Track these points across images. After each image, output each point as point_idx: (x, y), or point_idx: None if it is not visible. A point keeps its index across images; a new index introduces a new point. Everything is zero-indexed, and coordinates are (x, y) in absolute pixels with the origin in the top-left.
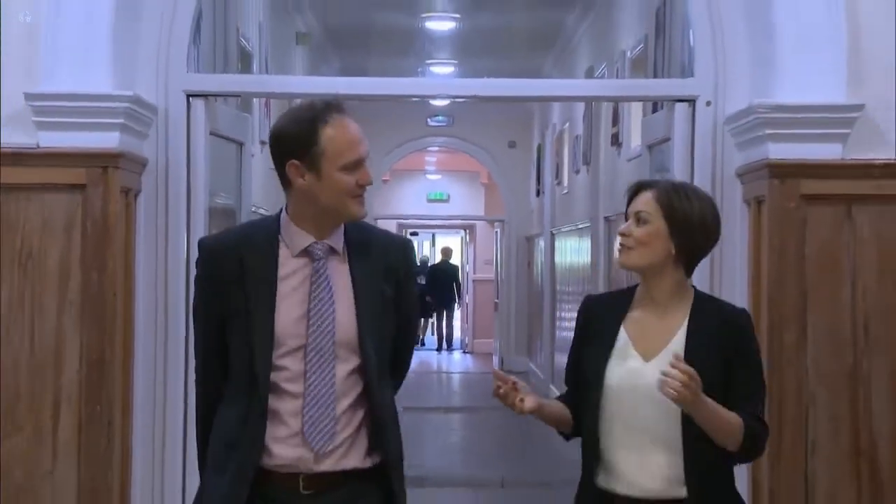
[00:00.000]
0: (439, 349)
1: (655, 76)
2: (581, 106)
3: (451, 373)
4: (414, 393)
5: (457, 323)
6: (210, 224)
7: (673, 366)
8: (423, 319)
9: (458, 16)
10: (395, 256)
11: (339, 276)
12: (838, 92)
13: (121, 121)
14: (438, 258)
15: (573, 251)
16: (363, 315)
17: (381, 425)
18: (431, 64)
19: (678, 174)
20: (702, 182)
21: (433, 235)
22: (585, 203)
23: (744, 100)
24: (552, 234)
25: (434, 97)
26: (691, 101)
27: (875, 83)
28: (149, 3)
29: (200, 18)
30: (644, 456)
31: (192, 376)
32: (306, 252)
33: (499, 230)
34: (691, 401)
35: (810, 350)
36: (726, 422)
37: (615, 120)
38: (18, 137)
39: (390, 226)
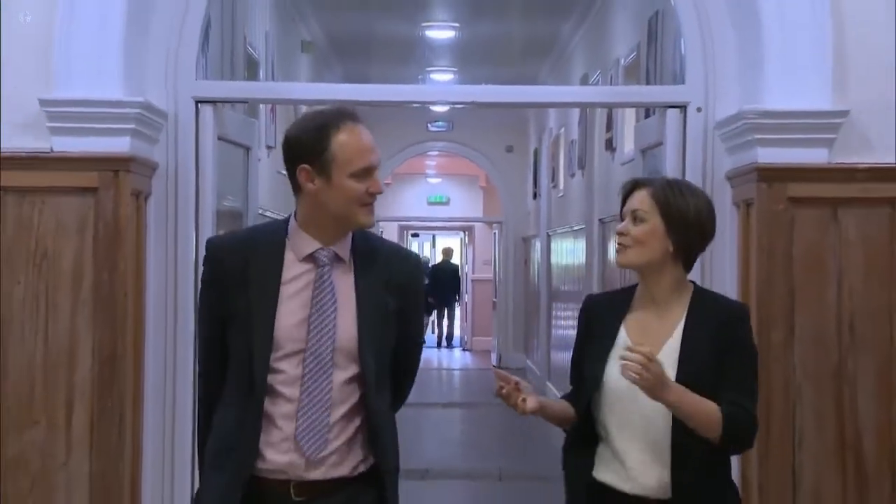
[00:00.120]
0: (439, 346)
1: (648, 83)
2: (576, 112)
3: (451, 369)
4: (415, 389)
5: (456, 321)
6: (218, 226)
7: (630, 349)
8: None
9: (457, 25)
10: (400, 270)
11: (343, 284)
12: (824, 98)
13: (132, 126)
14: (439, 258)
15: (569, 252)
16: (364, 324)
17: (377, 435)
18: (432, 71)
19: None
20: None
21: (433, 237)
22: (580, 206)
23: (733, 106)
24: (548, 236)
25: (434, 103)
26: (682, 108)
27: (859, 90)
28: (159, 12)
29: (209, 27)
30: (642, 453)
31: None
32: (311, 257)
33: (497, 232)
34: (653, 383)
35: (797, 348)
36: (702, 410)
37: (609, 125)
38: (33, 142)
39: (392, 227)
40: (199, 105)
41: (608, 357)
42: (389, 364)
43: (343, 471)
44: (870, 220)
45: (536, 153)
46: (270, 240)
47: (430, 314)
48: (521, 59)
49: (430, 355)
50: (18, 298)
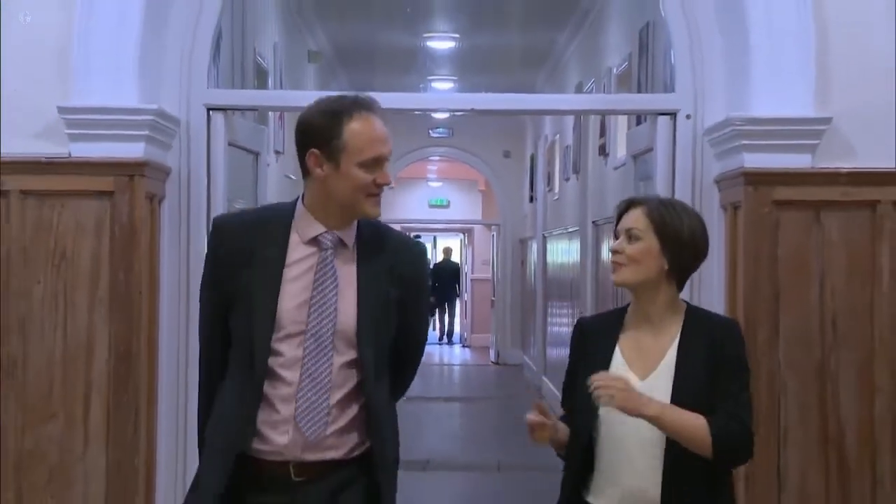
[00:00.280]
0: (440, 342)
1: (639, 91)
2: (571, 119)
3: (452, 365)
4: (416, 383)
5: (456, 318)
6: None
7: (594, 378)
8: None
9: (457, 36)
10: (404, 259)
11: (346, 269)
12: (807, 106)
13: (146, 132)
14: (440, 258)
15: (563, 253)
16: (364, 310)
17: (375, 422)
18: (433, 80)
19: (660, 182)
20: (682, 189)
21: (434, 238)
22: (575, 208)
23: (721, 113)
24: (544, 237)
25: (435, 111)
26: (672, 115)
27: (841, 98)
28: (172, 24)
29: (220, 38)
30: (636, 477)
31: None
32: (316, 241)
33: (495, 233)
34: (624, 398)
35: (782, 345)
36: (688, 424)
37: (602, 132)
38: (52, 148)
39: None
40: (211, 112)
41: None
42: (389, 353)
43: (339, 453)
44: (851, 223)
45: (533, 158)
46: (276, 221)
47: (432, 314)
48: (519, 68)
49: (432, 351)
50: (38, 297)
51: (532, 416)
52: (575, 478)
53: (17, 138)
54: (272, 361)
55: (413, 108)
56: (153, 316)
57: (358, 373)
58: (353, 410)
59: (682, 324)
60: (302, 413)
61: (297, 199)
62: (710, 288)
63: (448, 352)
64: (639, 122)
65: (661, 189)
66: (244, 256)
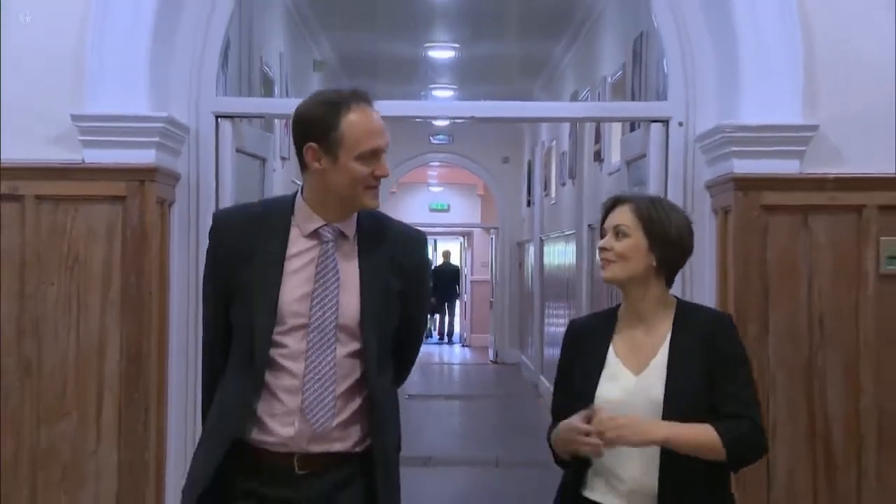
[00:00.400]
0: (441, 342)
1: (633, 99)
2: (567, 126)
3: (452, 364)
4: (418, 382)
5: (456, 319)
6: None
7: (592, 432)
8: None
9: (457, 46)
10: (405, 249)
11: (347, 261)
12: (795, 114)
13: (156, 139)
14: (440, 261)
15: (560, 255)
16: (366, 302)
17: (378, 413)
18: (433, 88)
19: (653, 187)
20: (674, 194)
21: (435, 241)
22: (571, 212)
23: (712, 120)
24: (541, 240)
25: (436, 118)
26: (665, 122)
27: (828, 106)
28: (182, 34)
29: (228, 48)
30: (633, 472)
31: None
32: (316, 234)
33: (494, 236)
34: (631, 431)
35: (771, 343)
36: (699, 439)
37: (597, 138)
38: (66, 154)
39: None
40: (219, 120)
41: (598, 378)
42: (391, 343)
43: (345, 445)
44: (838, 226)
45: (530, 164)
46: (276, 215)
47: (433, 314)
48: (516, 77)
49: (433, 350)
50: (52, 299)
51: (583, 424)
52: (574, 475)
53: (33, 145)
54: (275, 353)
55: (414, 115)
56: (163, 317)
57: (361, 364)
58: (357, 401)
59: (673, 319)
60: (309, 405)
61: (295, 193)
62: (701, 289)
63: (448, 351)
64: (632, 129)
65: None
66: (245, 251)
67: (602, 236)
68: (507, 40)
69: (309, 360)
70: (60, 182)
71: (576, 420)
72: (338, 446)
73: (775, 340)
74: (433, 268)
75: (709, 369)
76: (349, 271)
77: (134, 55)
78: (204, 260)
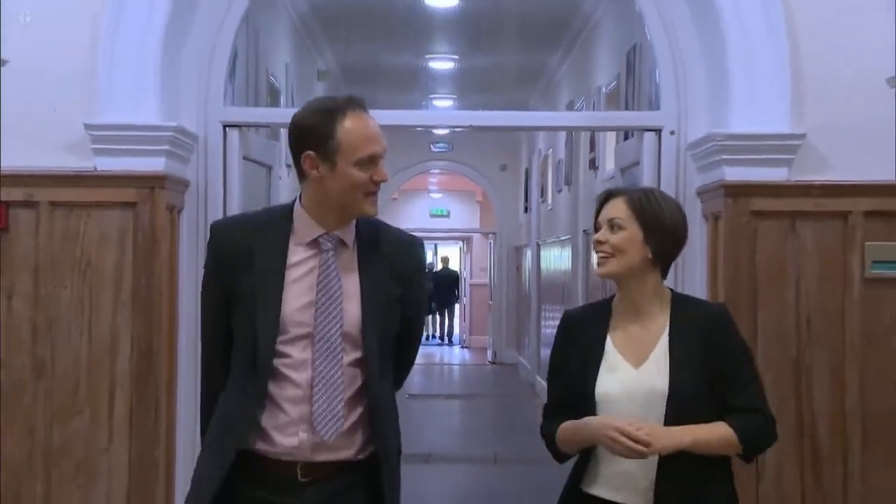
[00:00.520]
0: (441, 343)
1: (627, 109)
2: (563, 134)
3: (452, 364)
4: (418, 382)
5: (456, 321)
6: None
7: (621, 443)
8: (428, 317)
9: (456, 57)
10: (404, 255)
11: (348, 269)
12: (783, 123)
13: (166, 147)
14: (440, 266)
15: (556, 259)
16: (368, 309)
17: (379, 419)
18: (434, 98)
19: None
20: None
21: (435, 246)
22: (566, 218)
23: (703, 129)
24: (538, 245)
25: (436, 127)
26: (658, 131)
27: (815, 116)
28: (191, 46)
29: (235, 59)
30: (632, 464)
31: None
32: (316, 243)
33: (492, 241)
34: (663, 446)
35: (760, 343)
36: (720, 438)
37: (592, 146)
38: (79, 162)
39: None
40: (227, 129)
41: (597, 370)
42: (392, 349)
43: (348, 453)
44: (824, 232)
45: (527, 171)
46: (275, 224)
47: (433, 315)
48: (514, 87)
49: (433, 351)
50: (66, 301)
51: (629, 426)
52: (577, 471)
53: (47, 153)
54: (278, 363)
55: (415, 124)
56: (173, 318)
57: (363, 371)
58: (359, 409)
59: (669, 310)
60: (319, 415)
61: (293, 201)
62: (692, 292)
63: (448, 352)
64: (626, 138)
65: None
66: (244, 260)
67: (597, 230)
68: (504, 52)
69: (316, 369)
70: (74, 189)
71: (618, 421)
72: (342, 454)
73: (764, 341)
74: (433, 272)
75: (712, 363)
76: (350, 280)
77: (145, 67)
78: None
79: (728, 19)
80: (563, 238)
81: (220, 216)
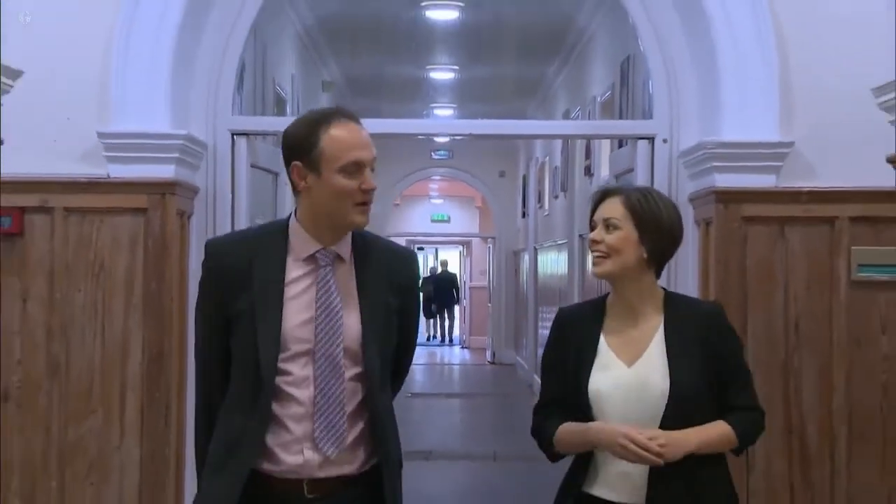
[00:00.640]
0: (441, 344)
1: (621, 118)
2: (559, 142)
3: (452, 364)
4: (420, 381)
5: (456, 322)
6: None
7: (626, 450)
8: (429, 319)
9: (457, 68)
10: (400, 268)
11: (346, 284)
12: (772, 131)
13: (176, 155)
14: (439, 270)
15: (552, 263)
16: (367, 323)
17: (381, 432)
18: (435, 107)
19: None
20: None
21: (436, 250)
22: (563, 223)
23: (694, 138)
24: (535, 249)
25: (437, 135)
26: (651, 139)
27: (802, 125)
28: (200, 58)
29: (243, 70)
30: (627, 463)
31: None
32: (313, 258)
33: (491, 245)
34: (673, 452)
35: (750, 345)
36: (722, 437)
37: (588, 154)
38: (92, 169)
39: (401, 242)
40: (235, 137)
41: (591, 368)
42: (391, 361)
43: (353, 468)
44: (812, 236)
45: (525, 178)
46: (271, 241)
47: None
48: (512, 97)
49: (434, 351)
50: (79, 304)
51: (640, 436)
52: (575, 471)
53: (62, 161)
54: (280, 381)
55: (417, 132)
56: (182, 321)
57: (363, 385)
58: (362, 423)
59: (663, 309)
60: (321, 433)
61: (289, 216)
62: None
63: (448, 352)
64: (620, 146)
65: None
66: (241, 278)
67: (592, 229)
68: (503, 63)
69: (318, 387)
70: (87, 195)
71: (628, 429)
72: (346, 469)
73: (754, 342)
74: (435, 275)
75: (710, 363)
76: (349, 294)
77: (156, 77)
78: None
79: (718, 32)
80: (559, 242)
81: (228, 221)
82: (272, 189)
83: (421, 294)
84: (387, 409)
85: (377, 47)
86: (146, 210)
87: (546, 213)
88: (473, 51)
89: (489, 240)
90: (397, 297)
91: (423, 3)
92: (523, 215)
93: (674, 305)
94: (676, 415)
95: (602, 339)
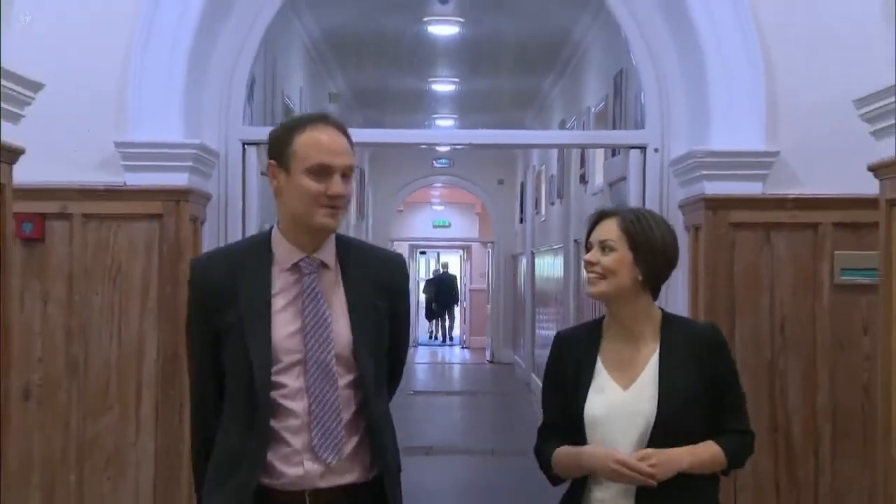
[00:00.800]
0: (442, 343)
1: (614, 128)
2: (555, 151)
3: (452, 364)
4: (421, 380)
5: (456, 323)
6: None
7: (618, 474)
8: (431, 320)
9: (457, 80)
10: (388, 272)
11: (333, 290)
12: (759, 141)
13: (190, 164)
14: (440, 271)
15: (549, 266)
16: (358, 329)
17: (379, 439)
18: (436, 118)
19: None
20: None
21: (438, 254)
22: (559, 229)
23: (684, 147)
24: (532, 254)
25: (438, 144)
26: (643, 148)
27: (788, 135)
28: (213, 71)
29: (254, 82)
30: (619, 484)
31: None
32: (297, 267)
33: (490, 250)
34: (664, 472)
35: (737, 347)
36: (714, 458)
37: (582, 162)
38: (109, 177)
39: (404, 246)
40: (246, 146)
41: (587, 391)
42: (385, 366)
43: (353, 476)
44: (797, 242)
45: (522, 185)
46: (255, 252)
47: (434, 317)
48: (510, 107)
49: (435, 351)
50: (97, 307)
51: (634, 461)
52: (568, 496)
53: (80, 169)
54: (275, 395)
55: (419, 142)
56: None
57: (359, 392)
58: (359, 430)
59: (659, 331)
60: (319, 442)
61: (271, 228)
62: (675, 298)
63: (449, 352)
64: (614, 155)
65: None
66: (226, 294)
67: (588, 250)
68: (501, 75)
69: (313, 397)
70: (105, 202)
71: (620, 454)
72: (347, 479)
73: (741, 345)
74: (437, 276)
75: (706, 386)
76: (336, 301)
77: (170, 89)
78: None
79: (707, 46)
80: (555, 247)
81: (239, 227)
82: None
83: (423, 296)
84: (384, 416)
85: (382, 61)
86: (161, 216)
87: (543, 219)
88: (473, 64)
89: (488, 244)
90: (386, 301)
91: (425, 19)
92: (521, 221)
93: (670, 327)
94: (662, 440)
95: (599, 361)
